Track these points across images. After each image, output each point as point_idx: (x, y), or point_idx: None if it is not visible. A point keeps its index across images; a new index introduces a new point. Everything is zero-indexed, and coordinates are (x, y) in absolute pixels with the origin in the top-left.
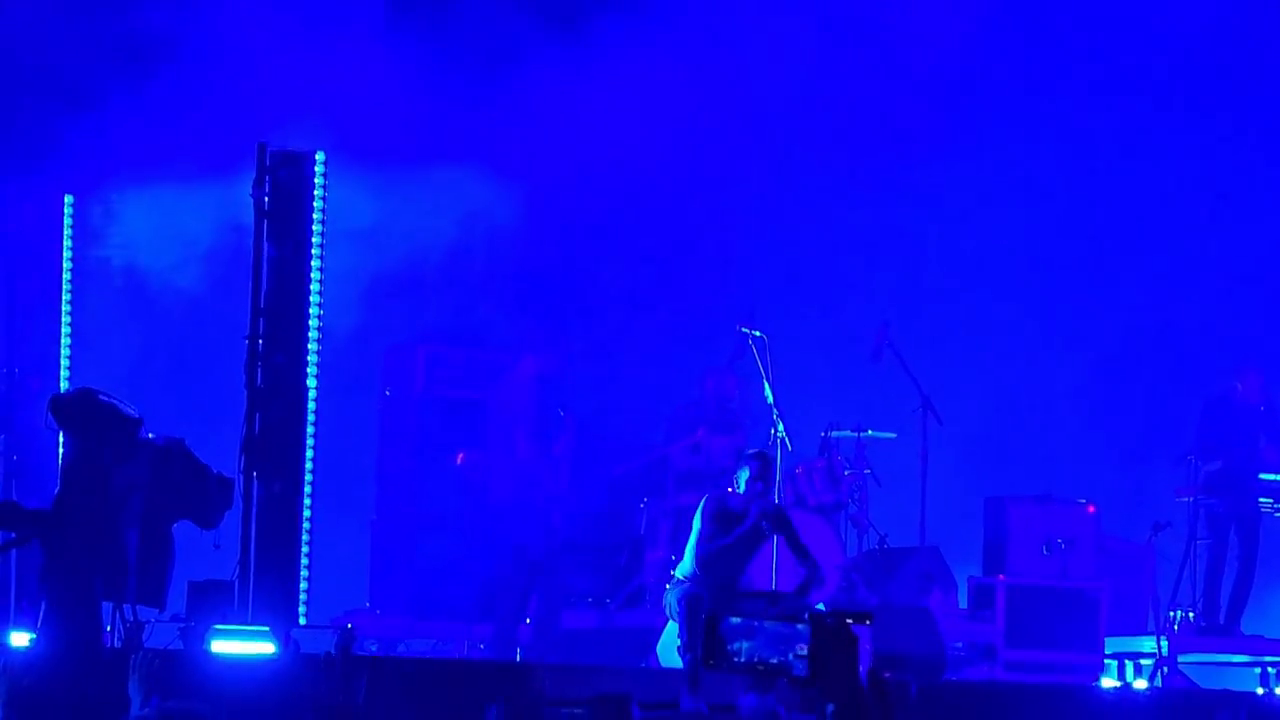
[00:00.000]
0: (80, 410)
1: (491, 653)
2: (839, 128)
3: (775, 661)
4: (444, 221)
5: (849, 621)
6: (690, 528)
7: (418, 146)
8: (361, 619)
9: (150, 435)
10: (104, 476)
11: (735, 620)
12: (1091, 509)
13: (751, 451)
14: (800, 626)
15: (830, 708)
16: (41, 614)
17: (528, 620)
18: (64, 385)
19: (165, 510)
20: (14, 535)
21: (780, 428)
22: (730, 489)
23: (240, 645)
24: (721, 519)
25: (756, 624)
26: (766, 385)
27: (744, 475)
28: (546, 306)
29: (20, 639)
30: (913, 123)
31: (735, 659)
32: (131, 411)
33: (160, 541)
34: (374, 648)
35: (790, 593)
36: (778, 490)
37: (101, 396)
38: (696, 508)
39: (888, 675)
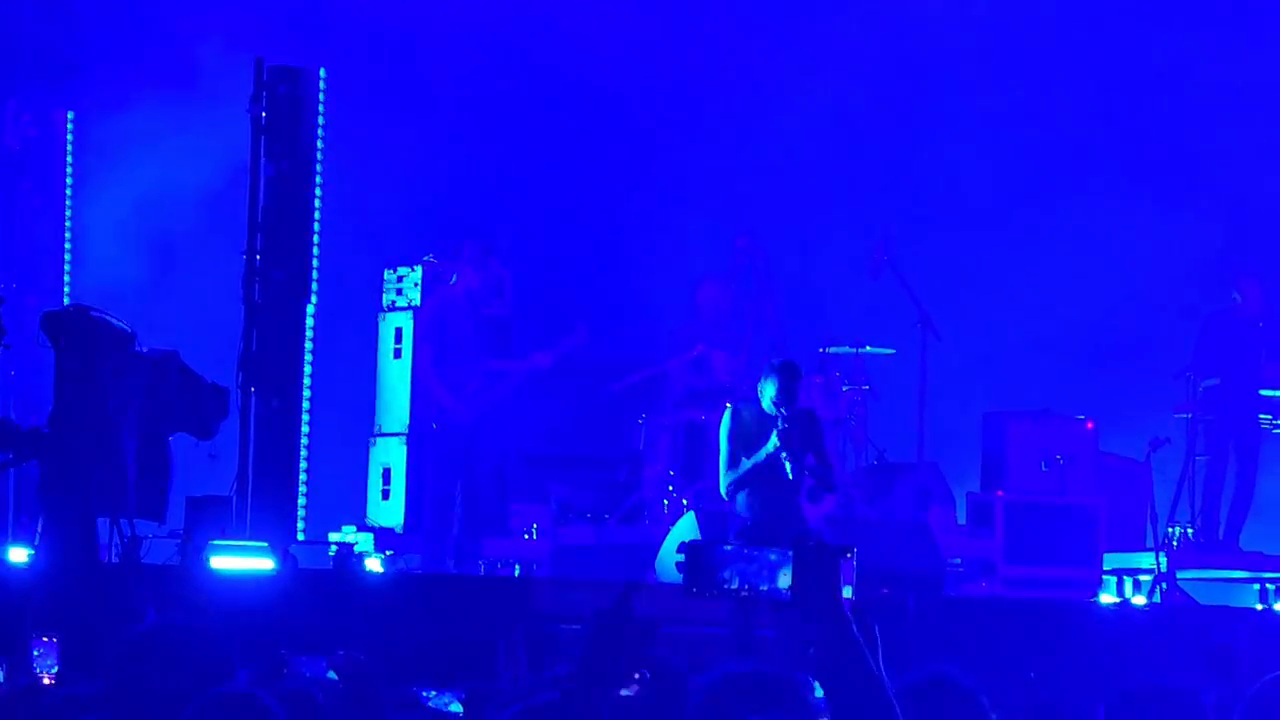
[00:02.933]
0: (73, 326)
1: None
2: (841, 39)
3: (763, 588)
4: (439, 137)
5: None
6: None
7: (415, 63)
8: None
9: (144, 349)
10: (99, 392)
11: (727, 548)
12: (1090, 425)
13: (776, 362)
14: (785, 553)
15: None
16: (39, 530)
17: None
18: (65, 303)
19: (161, 423)
20: (10, 455)
21: None
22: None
23: (239, 561)
24: (743, 438)
25: (745, 550)
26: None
27: (769, 389)
28: (544, 219)
29: (18, 554)
30: (914, 36)
31: (723, 586)
32: (124, 326)
33: (158, 455)
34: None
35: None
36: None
37: (94, 312)
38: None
39: (884, 591)
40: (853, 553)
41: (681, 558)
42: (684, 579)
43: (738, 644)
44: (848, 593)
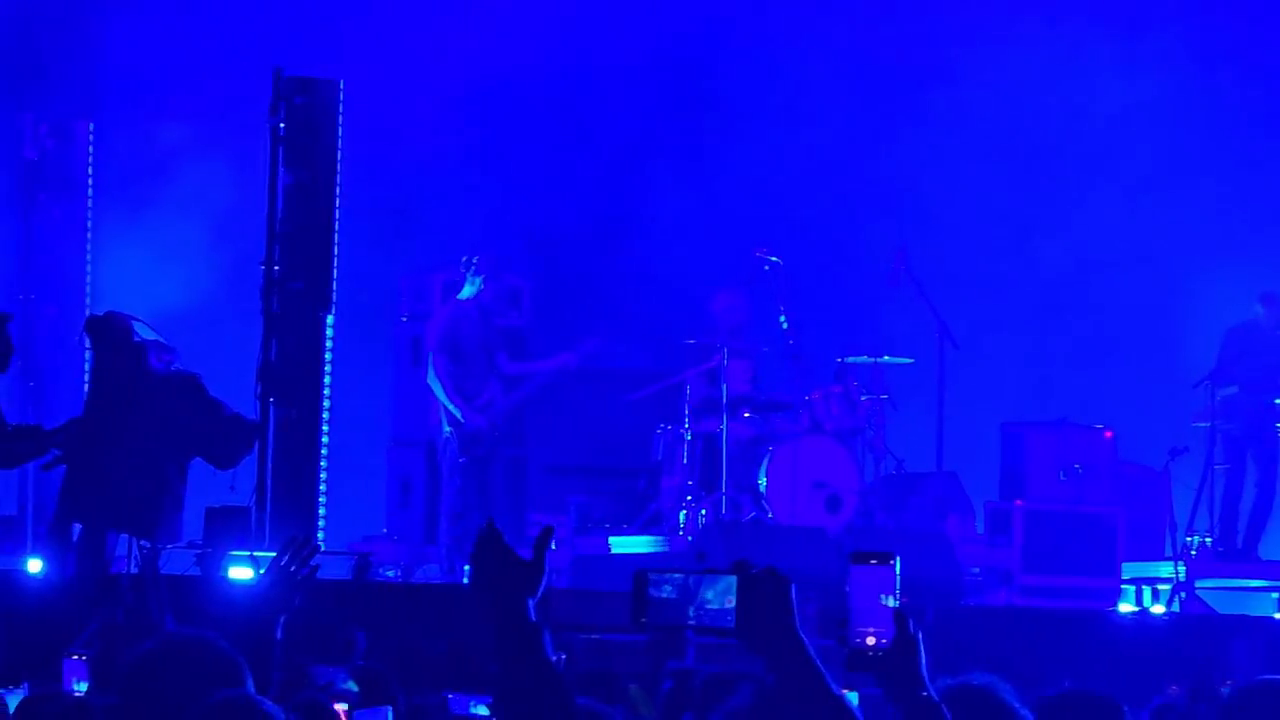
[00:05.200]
0: (108, 332)
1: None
2: (857, 48)
3: (709, 618)
4: (456, 149)
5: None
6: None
7: (433, 73)
8: (379, 545)
9: (165, 367)
10: (126, 402)
11: (669, 574)
12: (1109, 434)
13: None
14: (730, 578)
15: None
16: (55, 540)
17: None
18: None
19: (173, 444)
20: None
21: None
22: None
23: (257, 572)
24: None
25: (690, 579)
26: (782, 312)
27: None
28: (561, 229)
29: (35, 565)
30: (933, 47)
31: (665, 617)
32: (160, 339)
33: (160, 474)
34: (392, 574)
35: None
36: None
37: (132, 321)
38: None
39: (903, 600)
40: (895, 561)
41: None
42: (631, 609)
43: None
44: (891, 602)
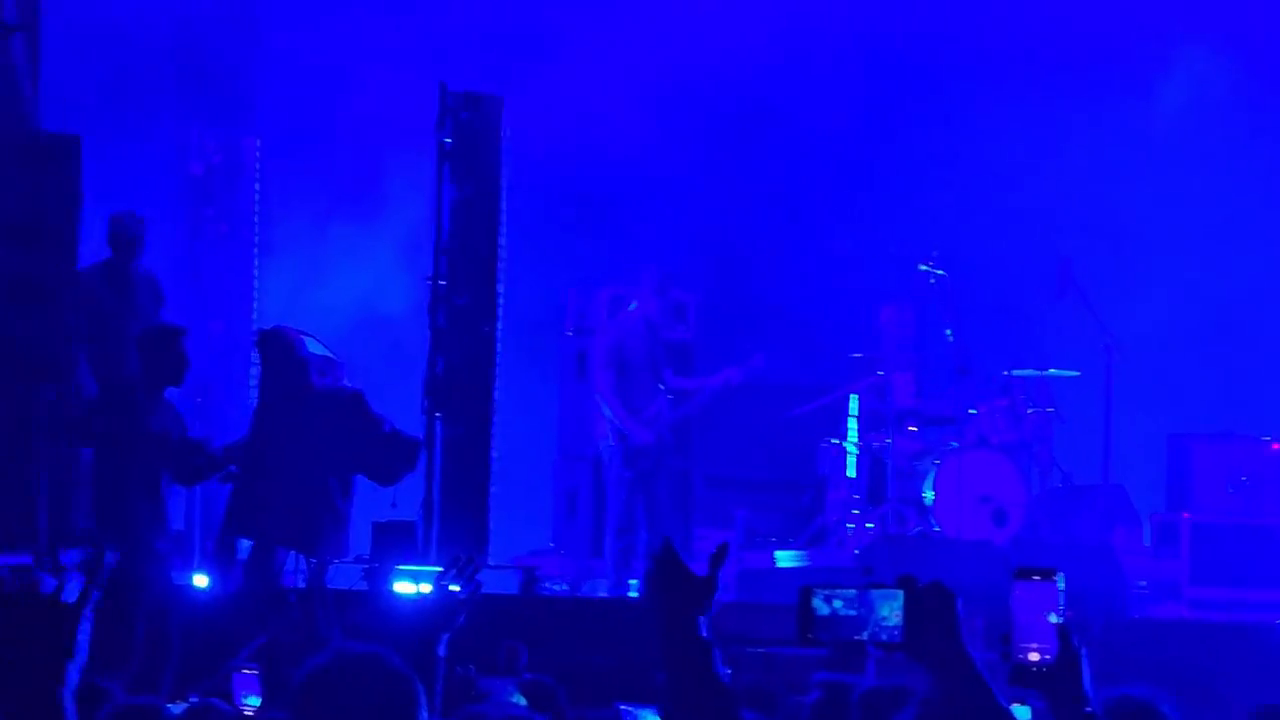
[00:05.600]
0: (277, 346)
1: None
2: (1020, 59)
3: (876, 633)
4: (621, 165)
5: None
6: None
7: (599, 88)
8: (545, 559)
9: (339, 381)
10: (292, 418)
11: (835, 589)
12: (1276, 446)
13: None
14: (896, 593)
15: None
16: (223, 555)
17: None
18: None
19: (336, 462)
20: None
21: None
22: None
23: (424, 587)
24: None
25: (856, 594)
26: (947, 326)
27: None
28: (726, 243)
29: (202, 580)
30: (1097, 52)
31: (831, 632)
32: (329, 354)
33: (324, 490)
34: (559, 588)
35: None
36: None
37: (301, 335)
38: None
39: (1068, 614)
40: (1059, 577)
41: None
42: (797, 624)
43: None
44: (1054, 618)
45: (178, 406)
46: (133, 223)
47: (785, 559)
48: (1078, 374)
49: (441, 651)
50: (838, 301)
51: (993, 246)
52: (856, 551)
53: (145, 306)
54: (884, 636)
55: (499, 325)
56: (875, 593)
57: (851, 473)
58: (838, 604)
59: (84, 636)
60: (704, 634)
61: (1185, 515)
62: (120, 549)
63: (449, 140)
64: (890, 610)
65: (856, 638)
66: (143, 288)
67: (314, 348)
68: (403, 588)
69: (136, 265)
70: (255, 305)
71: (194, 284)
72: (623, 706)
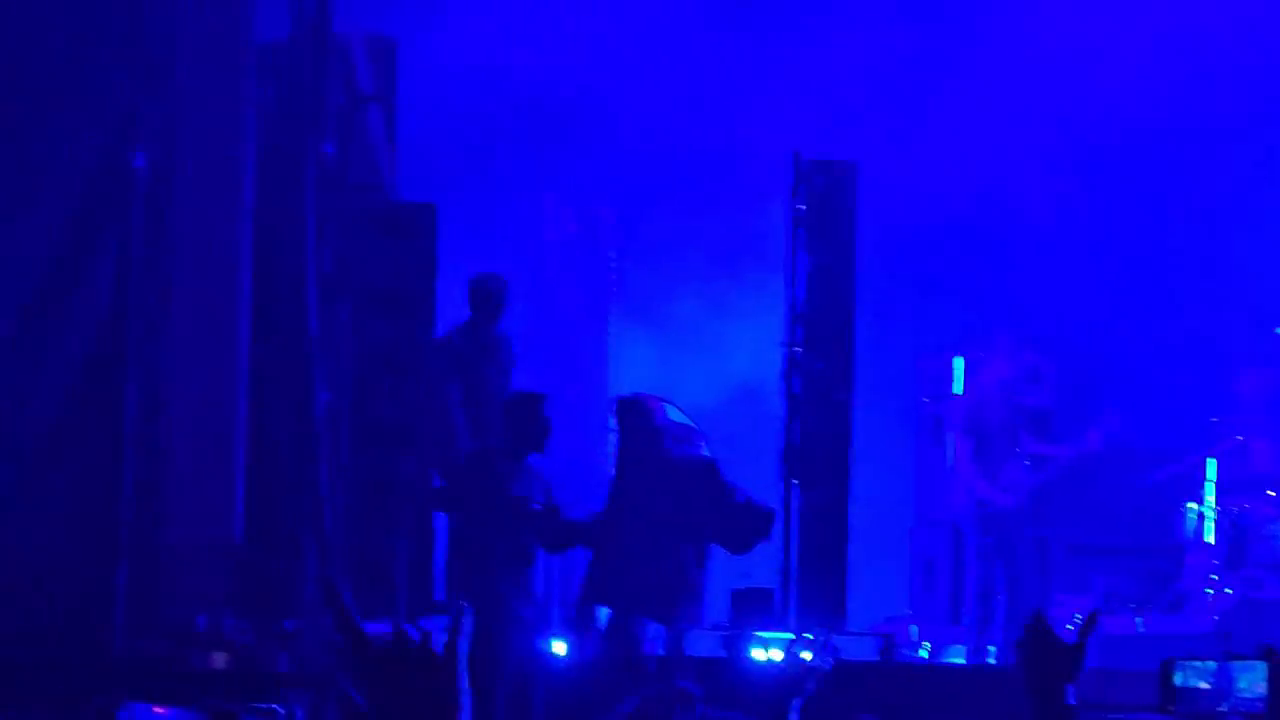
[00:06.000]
0: (635, 414)
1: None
2: None
3: (1240, 704)
4: (974, 229)
5: None
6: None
7: (946, 152)
8: (903, 626)
9: (702, 450)
10: (648, 486)
11: (1197, 661)
12: None
13: None
14: (1259, 664)
15: None
16: (581, 622)
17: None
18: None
19: (690, 531)
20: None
21: None
22: None
23: (781, 653)
24: None
25: (1219, 666)
26: None
27: None
28: (1084, 306)
29: (560, 647)
30: None
31: (1194, 703)
32: (687, 421)
33: (679, 559)
34: (921, 654)
35: None
36: None
37: (660, 403)
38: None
39: None
40: None
41: None
42: (1159, 694)
43: None
44: None
45: (540, 472)
46: (495, 284)
47: (1153, 624)
48: None
49: (794, 718)
50: (1195, 365)
51: None
52: (1216, 618)
53: (506, 369)
54: (1245, 708)
55: (854, 391)
56: (1236, 665)
57: (1210, 538)
58: (1195, 675)
59: (465, 687)
60: (1070, 701)
61: None
62: (482, 614)
63: (803, 207)
64: (1250, 682)
65: (1218, 709)
66: (503, 350)
67: (673, 415)
68: (760, 655)
69: (497, 327)
70: (610, 372)
71: (550, 350)
72: None
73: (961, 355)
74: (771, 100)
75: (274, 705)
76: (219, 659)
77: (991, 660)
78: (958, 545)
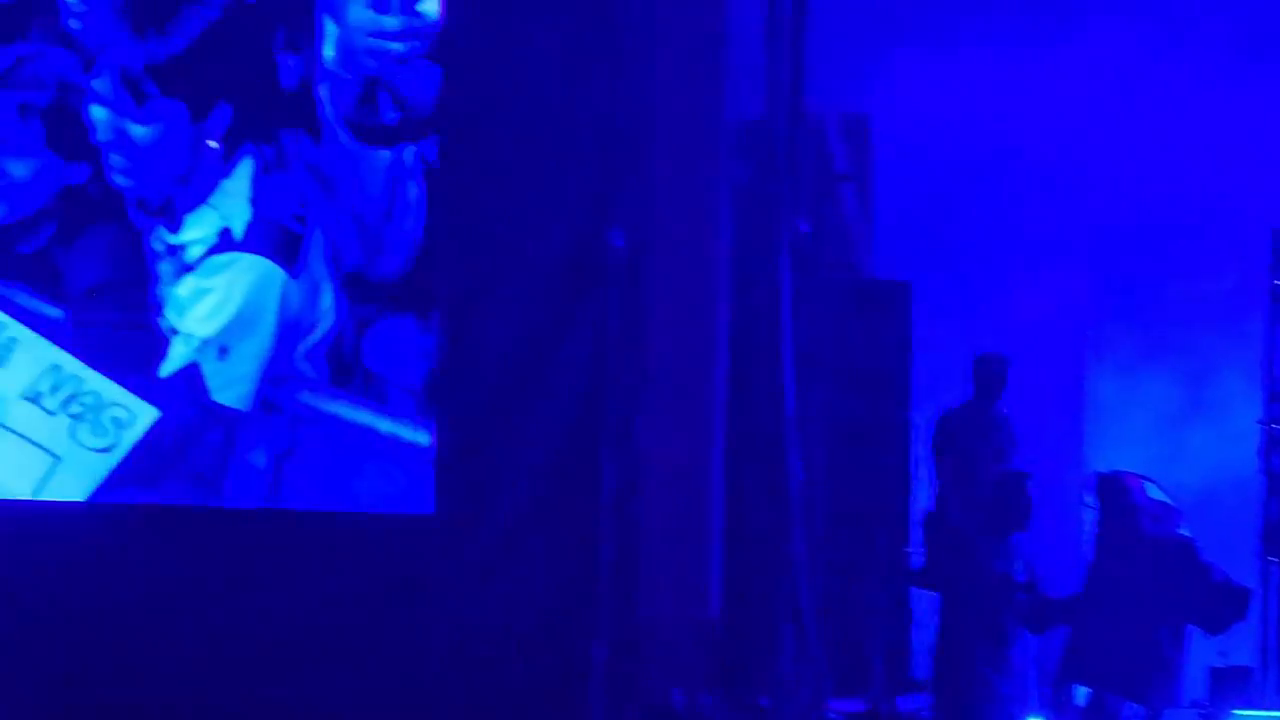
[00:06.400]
0: (1113, 492)
1: None
2: None
3: None
4: None
5: None
6: None
7: None
8: None
9: (1180, 530)
10: (1126, 565)
11: None
12: None
13: None
14: None
15: None
16: (1059, 699)
17: None
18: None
19: (1166, 610)
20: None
21: None
22: None
23: None
24: None
25: None
26: None
27: None
28: None
29: None
30: None
31: None
32: (1165, 499)
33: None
34: None
35: None
36: None
37: (1138, 480)
38: None
39: None
40: None
41: None
42: None
43: None
44: None
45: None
46: (997, 364)
47: None
48: None
49: None
50: None
51: None
52: None
53: (1004, 450)
54: None
55: None
56: None
57: None
58: None
59: None
60: None
61: None
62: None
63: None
64: None
65: None
66: (1002, 430)
67: (1153, 493)
68: None
69: (997, 407)
70: (1085, 448)
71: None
72: None
73: None
74: (1249, 169)
75: None
76: None
77: None
78: None
